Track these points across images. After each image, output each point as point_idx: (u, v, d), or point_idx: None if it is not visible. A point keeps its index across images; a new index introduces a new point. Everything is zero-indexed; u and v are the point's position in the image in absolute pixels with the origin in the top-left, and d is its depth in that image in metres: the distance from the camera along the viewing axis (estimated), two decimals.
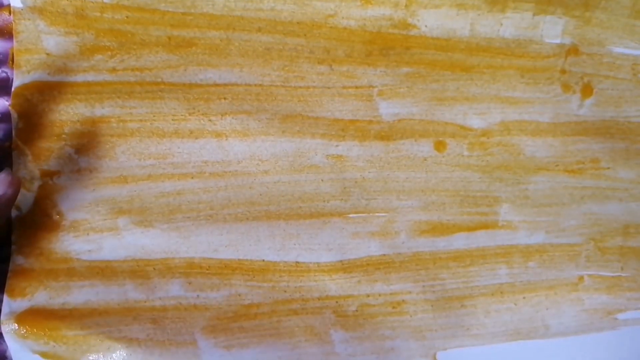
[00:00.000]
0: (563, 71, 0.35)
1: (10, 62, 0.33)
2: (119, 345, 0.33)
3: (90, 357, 0.32)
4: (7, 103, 0.33)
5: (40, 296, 0.32)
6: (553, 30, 0.35)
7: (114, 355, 0.33)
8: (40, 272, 0.32)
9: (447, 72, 0.34)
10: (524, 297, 0.37)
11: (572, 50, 0.35)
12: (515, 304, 0.36)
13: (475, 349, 0.36)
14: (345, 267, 0.35)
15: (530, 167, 0.36)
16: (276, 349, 0.34)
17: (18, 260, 0.32)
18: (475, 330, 0.36)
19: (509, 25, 0.35)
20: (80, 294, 0.33)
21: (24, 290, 0.32)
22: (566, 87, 0.36)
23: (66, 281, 0.33)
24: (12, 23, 0.33)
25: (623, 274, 0.38)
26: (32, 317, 0.32)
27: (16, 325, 0.32)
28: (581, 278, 0.37)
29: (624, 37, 0.36)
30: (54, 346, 0.32)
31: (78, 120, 0.33)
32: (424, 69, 0.34)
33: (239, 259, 0.34)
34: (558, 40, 0.35)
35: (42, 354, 0.33)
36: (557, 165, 0.36)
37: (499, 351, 0.37)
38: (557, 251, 0.36)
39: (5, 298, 0.32)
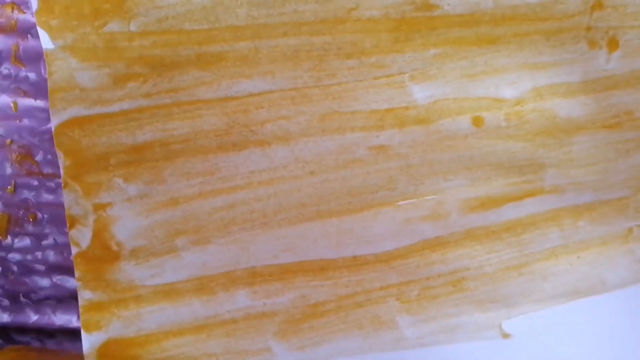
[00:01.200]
0: (589, 28, 0.36)
1: (13, 58, 0.34)
2: None
3: None
4: (9, 99, 0.34)
5: (115, 327, 0.34)
6: None
7: None
8: (110, 303, 0.34)
9: (474, 47, 0.35)
10: (578, 257, 0.38)
11: (597, 5, 0.36)
12: (571, 265, 0.38)
13: (537, 313, 0.37)
14: (402, 254, 0.36)
15: (569, 128, 0.37)
16: (348, 342, 0.35)
17: (86, 295, 0.34)
18: (535, 296, 0.37)
19: None
20: (152, 319, 0.34)
21: (98, 323, 0.34)
22: (592, 43, 0.36)
23: (136, 309, 0.34)
24: (15, 20, 0.33)
25: None
26: (112, 348, 0.33)
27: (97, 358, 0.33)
28: (630, 230, 0.38)
29: None
30: None
31: (122, 150, 0.34)
32: (451, 47, 0.35)
33: (298, 262, 0.35)
34: None
35: None
36: (594, 123, 0.37)
37: (559, 312, 0.38)
38: (606, 207, 0.37)
39: (83, 334, 0.34)
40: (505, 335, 0.37)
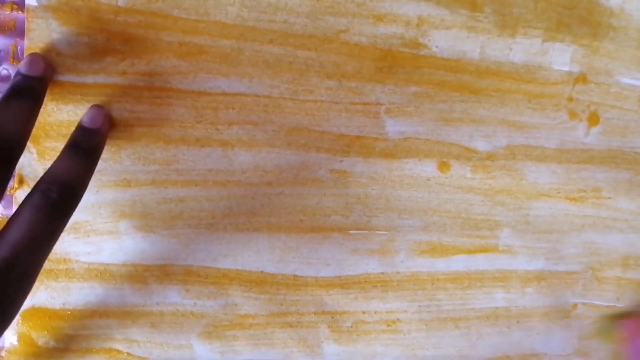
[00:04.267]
0: (570, 99, 0.38)
1: (11, 58, 0.35)
2: (119, 347, 0.35)
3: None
4: None
5: (42, 295, 0.35)
6: (562, 57, 0.37)
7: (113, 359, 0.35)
8: (41, 271, 0.34)
9: (455, 93, 0.37)
10: (517, 322, 0.39)
11: (580, 79, 0.38)
12: (509, 328, 0.39)
13: None
14: (343, 283, 0.37)
15: (532, 192, 0.38)
16: (268, 358, 0.36)
17: None
18: (465, 351, 0.38)
19: (518, 50, 0.37)
20: (80, 296, 0.35)
21: None
22: (573, 114, 0.38)
23: (66, 282, 0.35)
24: (13, 20, 0.35)
25: (617, 304, 0.40)
26: (35, 316, 0.34)
27: (20, 321, 0.34)
28: (575, 306, 0.39)
29: (631, 68, 0.38)
30: (55, 345, 0.34)
31: None
32: (432, 89, 0.36)
33: (237, 269, 0.36)
34: (567, 68, 0.38)
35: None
36: (558, 192, 0.38)
37: None
38: (555, 278, 0.39)
39: None
40: None
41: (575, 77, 0.38)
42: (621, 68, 0.38)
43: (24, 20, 0.35)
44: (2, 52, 0.35)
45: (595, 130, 0.39)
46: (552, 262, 0.39)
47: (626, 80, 0.39)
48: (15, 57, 0.36)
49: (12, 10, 0.35)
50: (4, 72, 0.36)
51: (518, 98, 0.38)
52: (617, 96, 0.38)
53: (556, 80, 0.38)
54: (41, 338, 0.36)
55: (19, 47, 0.36)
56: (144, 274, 0.36)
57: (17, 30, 0.36)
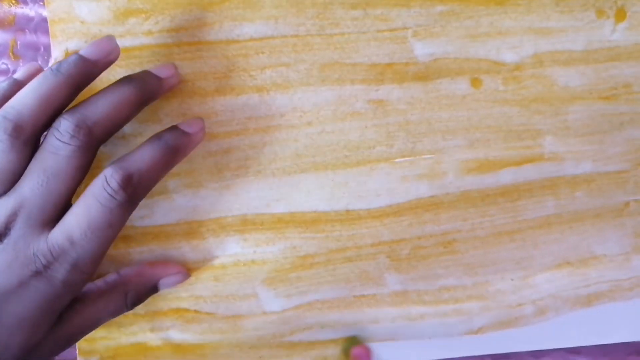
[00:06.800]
0: None
1: (11, 53, 0.35)
2: (186, 305, 0.35)
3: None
4: None
5: (102, 266, 0.34)
6: None
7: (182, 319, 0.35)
8: None
9: (481, 7, 0.36)
10: (570, 227, 0.39)
11: None
12: (562, 234, 0.39)
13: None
14: (395, 211, 0.37)
15: (566, 97, 0.38)
16: (334, 294, 0.36)
17: None
18: (525, 263, 0.39)
19: None
20: (140, 260, 0.35)
21: None
22: (600, 12, 0.37)
23: (125, 248, 0.35)
24: (12, 15, 0.34)
25: None
26: None
27: None
28: (627, 204, 0.39)
29: None
30: None
31: None
32: (457, 5, 0.36)
33: (290, 212, 0.36)
34: None
35: None
36: (591, 93, 0.38)
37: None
38: (605, 179, 0.39)
39: None
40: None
41: None
42: None
43: (24, 15, 0.35)
44: (1, 47, 0.35)
45: (621, 26, 0.38)
46: (601, 164, 0.39)
47: None
48: (15, 52, 0.36)
49: (11, 5, 0.35)
50: (3, 66, 0.36)
51: (545, 3, 0.37)
52: None
53: None
54: None
55: (18, 42, 0.35)
56: (200, 230, 0.36)
57: (17, 25, 0.35)
